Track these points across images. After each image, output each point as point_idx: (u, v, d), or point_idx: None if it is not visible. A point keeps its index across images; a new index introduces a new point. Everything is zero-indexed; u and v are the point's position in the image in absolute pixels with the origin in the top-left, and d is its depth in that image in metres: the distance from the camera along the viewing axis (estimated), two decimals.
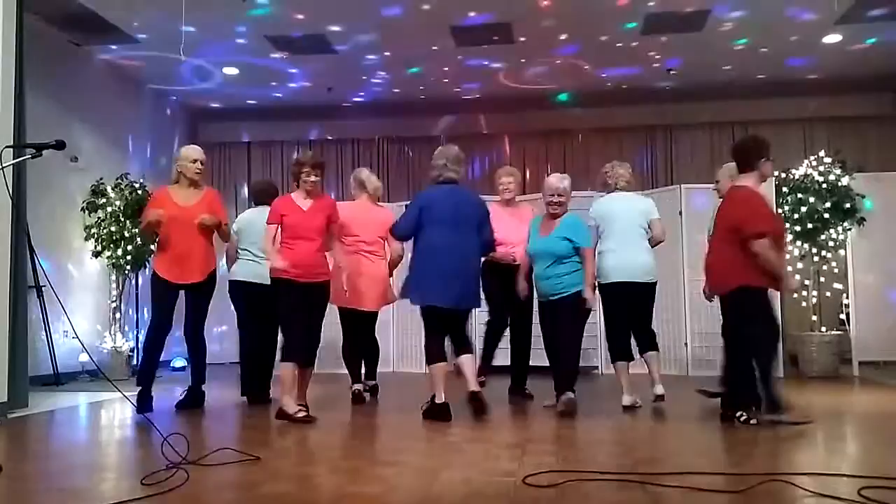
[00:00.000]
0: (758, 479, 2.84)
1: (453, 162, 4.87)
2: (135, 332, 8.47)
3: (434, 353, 4.70)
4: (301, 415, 4.50)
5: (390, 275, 5.63)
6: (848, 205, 7.20)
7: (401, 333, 8.15)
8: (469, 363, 4.70)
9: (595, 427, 4.33)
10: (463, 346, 4.77)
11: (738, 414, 4.20)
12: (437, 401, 4.60)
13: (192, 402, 5.25)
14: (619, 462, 3.33)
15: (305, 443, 3.99)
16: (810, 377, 7.02)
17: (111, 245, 7.75)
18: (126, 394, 4.66)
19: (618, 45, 7.96)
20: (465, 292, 4.72)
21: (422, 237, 4.76)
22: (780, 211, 7.16)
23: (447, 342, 4.80)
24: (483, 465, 3.27)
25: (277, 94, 9.61)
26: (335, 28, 7.50)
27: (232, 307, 5.72)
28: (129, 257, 7.80)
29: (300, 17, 7.22)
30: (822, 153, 7.67)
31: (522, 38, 7.78)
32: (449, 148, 4.97)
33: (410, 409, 5.17)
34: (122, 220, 7.74)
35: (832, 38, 7.83)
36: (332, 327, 5.52)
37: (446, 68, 8.67)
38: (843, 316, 7.84)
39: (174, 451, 3.26)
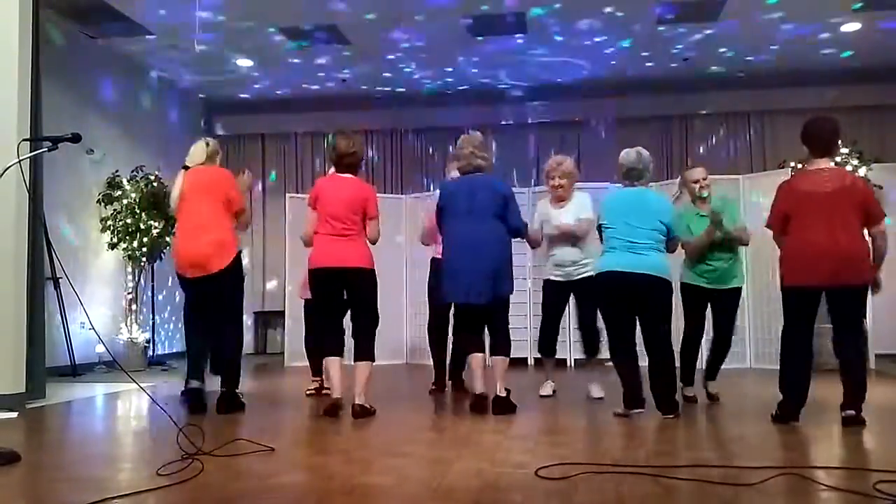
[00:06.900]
0: (772, 473, 2.83)
1: (480, 149, 4.74)
2: (151, 324, 8.54)
3: (468, 345, 4.72)
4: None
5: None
6: None
7: (413, 326, 8.18)
8: (476, 363, 4.61)
9: (607, 420, 4.33)
10: (496, 345, 4.66)
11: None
12: (475, 392, 4.57)
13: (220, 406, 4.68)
14: (632, 455, 3.33)
15: (319, 434, 4.01)
16: (826, 370, 6.95)
17: (127, 237, 7.81)
18: (142, 385, 4.69)
19: (634, 33, 7.91)
20: (476, 286, 4.52)
21: (443, 232, 4.77)
22: None
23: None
24: (495, 457, 3.27)
25: (290, 86, 9.62)
26: (347, 18, 7.49)
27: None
28: (144, 249, 7.87)
29: (313, 8, 7.22)
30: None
31: (534, 28, 7.75)
32: (473, 135, 4.83)
33: (423, 401, 5.19)
34: (138, 212, 7.79)
35: (851, 27, 7.74)
36: None
37: (456, 58, 8.64)
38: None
39: (189, 442, 3.29)
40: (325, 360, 4.62)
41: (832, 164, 4.20)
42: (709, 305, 4.95)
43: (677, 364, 4.62)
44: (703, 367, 5.05)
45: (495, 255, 4.57)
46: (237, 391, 4.80)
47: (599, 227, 4.58)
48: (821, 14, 7.41)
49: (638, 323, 4.46)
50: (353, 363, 4.55)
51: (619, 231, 4.38)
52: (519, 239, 4.91)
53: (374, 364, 4.59)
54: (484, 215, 4.58)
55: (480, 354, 4.63)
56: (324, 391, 5.39)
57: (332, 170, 4.72)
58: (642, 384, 4.41)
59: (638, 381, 4.39)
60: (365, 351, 4.56)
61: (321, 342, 4.80)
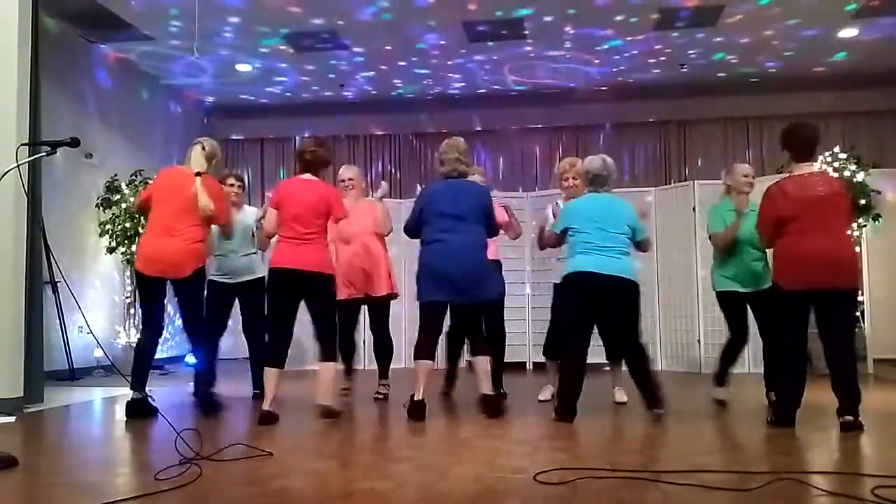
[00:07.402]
0: (770, 478, 2.84)
1: (464, 154, 4.82)
2: None
3: (418, 349, 4.68)
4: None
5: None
6: (863, 201, 7.13)
7: (414, 329, 8.13)
8: (482, 365, 4.64)
9: (606, 425, 4.33)
10: (477, 345, 4.71)
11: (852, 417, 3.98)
12: (415, 398, 4.54)
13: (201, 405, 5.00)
14: (631, 460, 3.33)
15: (317, 438, 4.01)
16: (824, 374, 6.95)
17: (125, 241, 7.80)
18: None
19: (634, 39, 7.93)
20: (465, 286, 4.58)
21: (423, 234, 4.78)
22: None
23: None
24: (494, 462, 3.27)
25: (290, 91, 9.64)
26: (347, 25, 7.51)
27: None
28: None
29: (313, 13, 7.23)
30: (836, 148, 7.60)
31: (533, 33, 7.76)
32: (457, 141, 4.88)
33: None
34: (137, 216, 7.79)
35: (848, 33, 7.76)
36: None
37: (457, 63, 8.66)
38: (857, 313, 7.78)
39: (187, 447, 3.29)
40: (266, 370, 4.57)
41: (815, 167, 4.25)
42: (749, 311, 4.93)
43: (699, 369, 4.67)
44: (764, 377, 5.04)
45: (481, 258, 4.69)
46: (212, 390, 5.01)
47: (564, 232, 4.59)
48: (819, 20, 7.43)
49: (608, 326, 4.56)
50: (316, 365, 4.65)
51: (591, 235, 4.44)
52: (491, 239, 4.94)
53: (337, 365, 4.67)
54: (469, 219, 4.66)
55: (429, 363, 4.64)
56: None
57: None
58: (580, 394, 4.41)
59: (578, 391, 4.39)
60: (329, 353, 4.61)
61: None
